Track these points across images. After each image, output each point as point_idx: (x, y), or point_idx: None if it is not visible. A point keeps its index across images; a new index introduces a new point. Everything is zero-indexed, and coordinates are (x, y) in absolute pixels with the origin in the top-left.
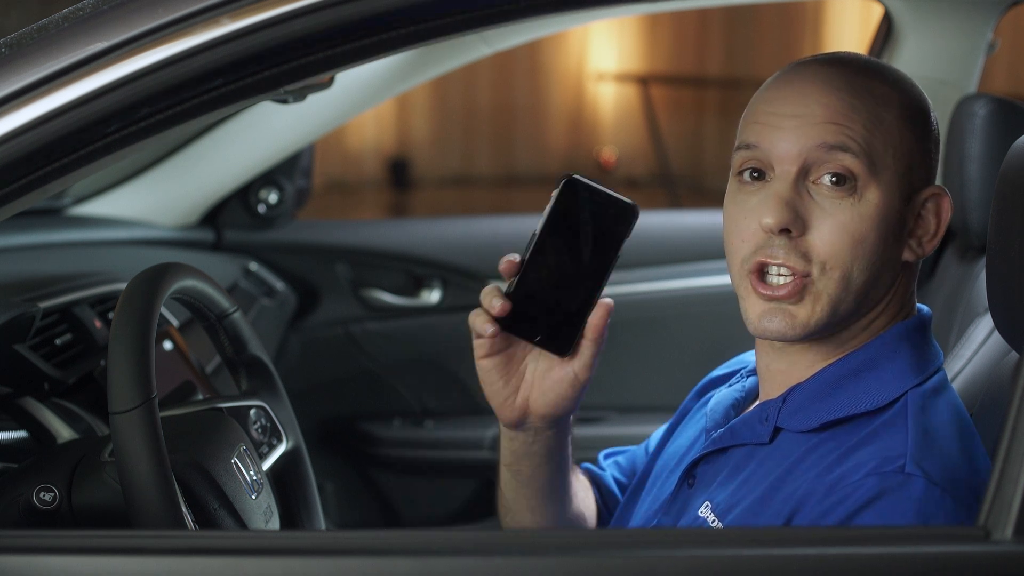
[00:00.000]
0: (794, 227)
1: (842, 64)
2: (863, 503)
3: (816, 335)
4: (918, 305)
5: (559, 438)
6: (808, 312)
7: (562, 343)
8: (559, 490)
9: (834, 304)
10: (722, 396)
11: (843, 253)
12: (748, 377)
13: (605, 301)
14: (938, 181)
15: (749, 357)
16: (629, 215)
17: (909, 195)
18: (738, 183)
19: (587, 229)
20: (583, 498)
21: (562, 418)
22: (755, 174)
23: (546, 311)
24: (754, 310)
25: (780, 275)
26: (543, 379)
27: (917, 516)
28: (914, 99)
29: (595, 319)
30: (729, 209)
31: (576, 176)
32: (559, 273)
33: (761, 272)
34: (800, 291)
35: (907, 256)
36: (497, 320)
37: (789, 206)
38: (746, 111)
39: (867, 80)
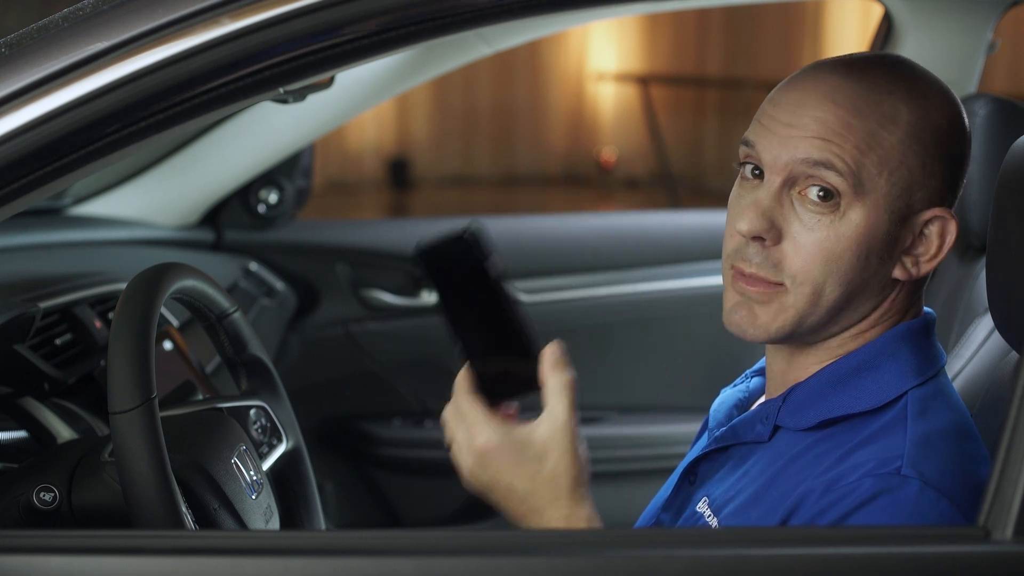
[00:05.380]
0: (767, 236)
1: (858, 73)
2: (858, 504)
3: (780, 342)
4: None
5: None
6: (770, 318)
7: (532, 380)
8: None
9: (799, 317)
10: (726, 396)
11: (815, 269)
12: (752, 378)
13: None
14: None
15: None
16: (477, 236)
17: (905, 216)
18: (741, 176)
19: (465, 274)
20: None
21: None
22: (756, 172)
23: (503, 363)
24: (728, 301)
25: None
26: None
27: (912, 518)
28: (931, 119)
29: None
30: (730, 200)
31: (419, 246)
32: (483, 324)
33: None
34: (769, 294)
35: (898, 274)
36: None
37: (765, 215)
38: (762, 104)
39: (877, 95)
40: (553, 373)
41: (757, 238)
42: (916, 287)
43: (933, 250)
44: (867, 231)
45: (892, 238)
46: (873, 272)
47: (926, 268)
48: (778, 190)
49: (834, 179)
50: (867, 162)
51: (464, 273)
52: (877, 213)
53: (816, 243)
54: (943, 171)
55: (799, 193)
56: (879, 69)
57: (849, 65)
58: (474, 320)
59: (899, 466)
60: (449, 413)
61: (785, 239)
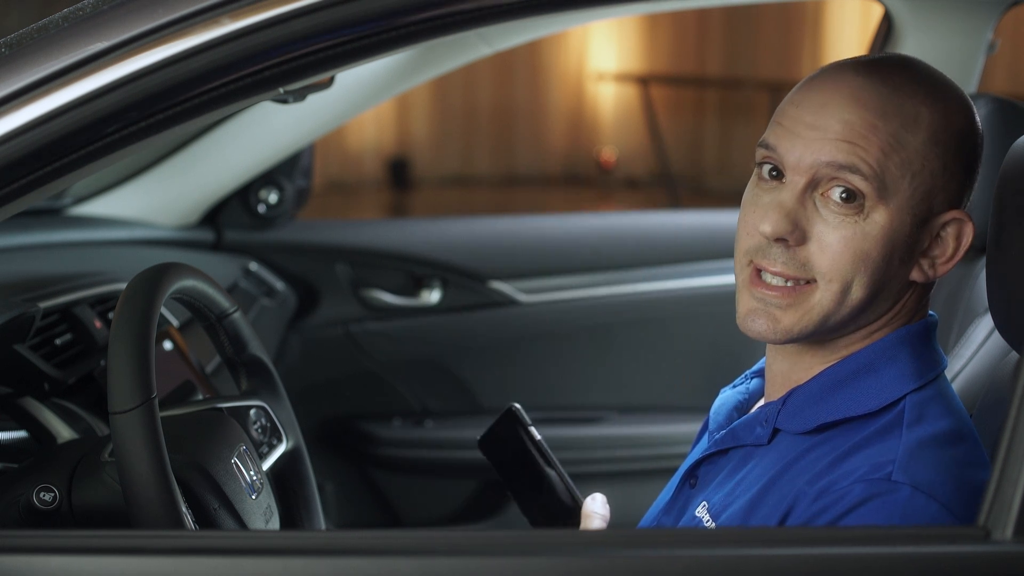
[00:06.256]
0: (791, 238)
1: (880, 74)
2: (847, 508)
3: (799, 341)
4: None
5: None
6: (794, 320)
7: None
8: None
9: (824, 316)
10: (726, 398)
11: (845, 266)
12: (752, 379)
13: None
14: None
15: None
16: (515, 414)
17: (926, 218)
18: (758, 176)
19: (518, 452)
20: None
21: None
22: (774, 172)
23: (549, 505)
24: (743, 306)
25: (775, 279)
26: None
27: (903, 521)
28: (951, 121)
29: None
30: (745, 199)
31: (481, 438)
32: (531, 485)
33: (758, 271)
34: (793, 298)
35: (916, 276)
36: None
37: (789, 217)
38: (779, 105)
39: (900, 98)
40: (596, 511)
41: (780, 239)
42: (926, 291)
43: (949, 252)
44: (891, 232)
45: (913, 240)
46: (894, 273)
47: (942, 270)
48: (801, 192)
49: (858, 182)
50: (890, 164)
51: (514, 442)
52: (901, 215)
53: (842, 240)
54: (961, 174)
55: (822, 195)
56: (899, 70)
57: (870, 66)
58: (525, 477)
59: (890, 472)
60: None
61: (810, 240)
